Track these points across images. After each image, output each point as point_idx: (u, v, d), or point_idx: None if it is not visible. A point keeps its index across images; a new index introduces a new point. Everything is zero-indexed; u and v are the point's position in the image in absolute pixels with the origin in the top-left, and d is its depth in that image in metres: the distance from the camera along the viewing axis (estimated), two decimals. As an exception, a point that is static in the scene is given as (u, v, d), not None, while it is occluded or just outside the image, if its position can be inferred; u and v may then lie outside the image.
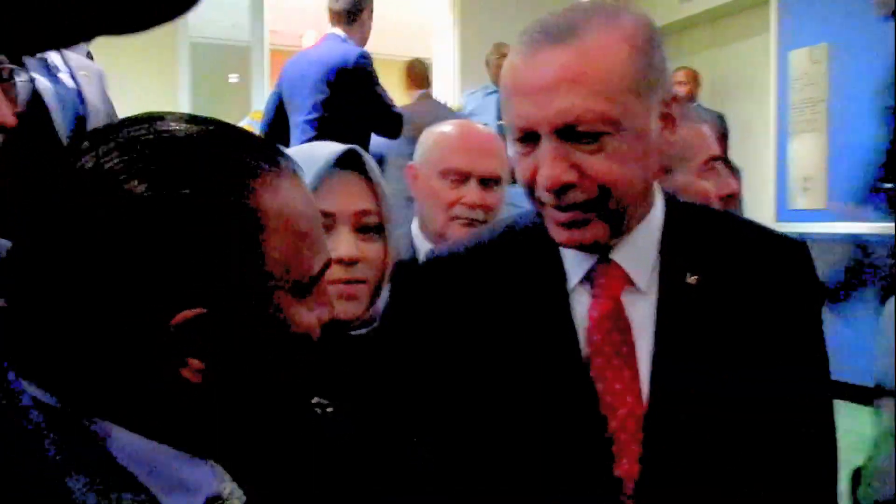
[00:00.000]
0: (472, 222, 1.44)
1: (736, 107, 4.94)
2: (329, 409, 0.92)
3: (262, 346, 0.59)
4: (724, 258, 0.91)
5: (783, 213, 4.49)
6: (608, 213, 0.84)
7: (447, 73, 5.46)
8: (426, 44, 5.82)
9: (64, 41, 0.42)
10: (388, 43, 8.36)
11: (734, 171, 1.77)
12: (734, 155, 3.86)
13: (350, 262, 0.97)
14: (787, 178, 4.48)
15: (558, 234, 0.87)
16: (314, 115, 3.10)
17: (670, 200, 0.95)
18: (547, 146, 0.83)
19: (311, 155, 0.96)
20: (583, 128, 0.81)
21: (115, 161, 0.55)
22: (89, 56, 2.01)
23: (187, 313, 0.55)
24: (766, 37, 4.67)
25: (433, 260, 1.02)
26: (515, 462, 0.88)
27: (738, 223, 0.98)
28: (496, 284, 0.93)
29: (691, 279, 0.89)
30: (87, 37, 0.41)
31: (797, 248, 0.93)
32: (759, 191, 4.52)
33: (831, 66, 4.18)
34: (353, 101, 3.10)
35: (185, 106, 5.89)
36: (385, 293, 1.05)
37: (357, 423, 0.95)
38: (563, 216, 0.85)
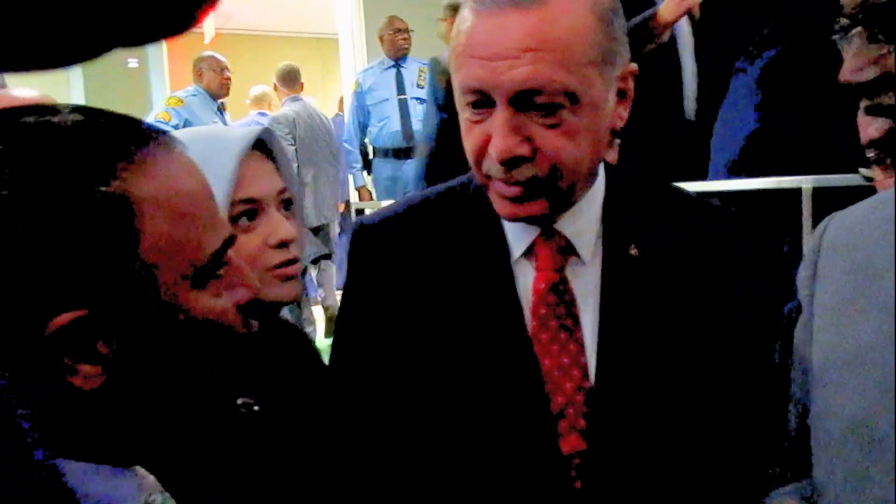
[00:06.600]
0: None
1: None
2: (256, 409, 0.89)
3: (158, 341, 0.55)
4: (665, 229, 0.91)
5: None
6: (556, 190, 0.82)
7: (352, 48, 5.37)
8: (332, 20, 5.71)
9: (75, 59, 0.39)
10: (293, 21, 8.15)
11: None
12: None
13: (288, 243, 0.94)
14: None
15: (502, 207, 0.84)
16: None
17: (610, 170, 0.94)
18: (501, 115, 0.78)
19: (222, 139, 0.92)
20: (542, 99, 0.77)
21: None
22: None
23: (65, 317, 0.51)
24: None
25: (363, 228, 0.96)
26: (461, 442, 0.86)
27: (675, 193, 0.98)
28: (435, 257, 0.90)
29: (633, 250, 0.88)
30: (97, 54, 0.38)
31: (732, 218, 0.94)
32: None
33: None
34: None
35: (77, 93, 5.58)
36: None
37: (286, 424, 0.92)
38: (510, 191, 0.82)
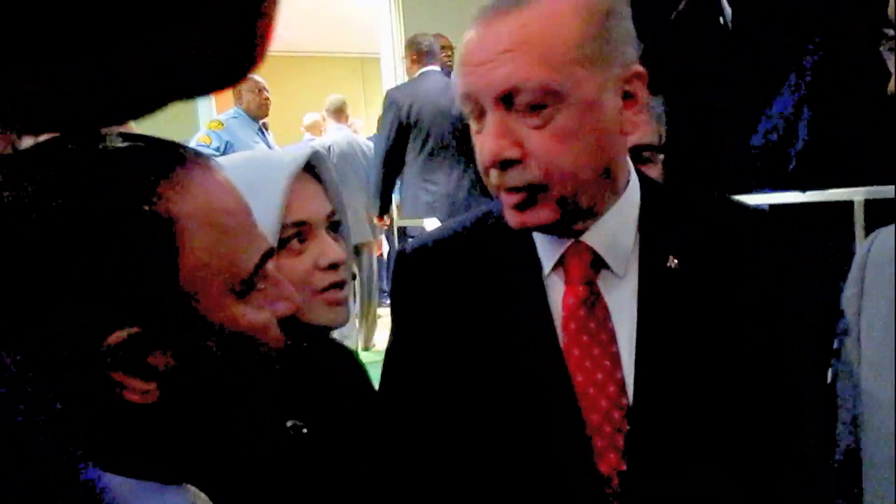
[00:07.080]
0: None
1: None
2: (304, 431, 0.89)
3: (205, 356, 0.57)
4: (705, 240, 0.88)
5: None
6: (560, 197, 0.81)
7: (394, 67, 5.43)
8: (374, 40, 5.79)
9: (138, 112, 0.41)
10: (336, 41, 8.29)
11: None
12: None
13: (338, 266, 0.95)
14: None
15: (510, 217, 0.84)
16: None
17: (646, 182, 0.92)
18: (490, 118, 0.80)
19: (273, 162, 0.94)
20: (524, 97, 0.77)
21: (12, 188, 0.53)
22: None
23: (120, 334, 0.53)
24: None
25: (403, 256, 0.98)
26: (498, 460, 0.86)
27: (717, 203, 0.95)
28: (471, 278, 0.90)
29: (673, 262, 0.86)
30: (159, 106, 0.40)
31: (778, 225, 0.91)
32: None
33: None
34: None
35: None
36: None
37: (334, 446, 0.93)
38: (512, 198, 0.82)
